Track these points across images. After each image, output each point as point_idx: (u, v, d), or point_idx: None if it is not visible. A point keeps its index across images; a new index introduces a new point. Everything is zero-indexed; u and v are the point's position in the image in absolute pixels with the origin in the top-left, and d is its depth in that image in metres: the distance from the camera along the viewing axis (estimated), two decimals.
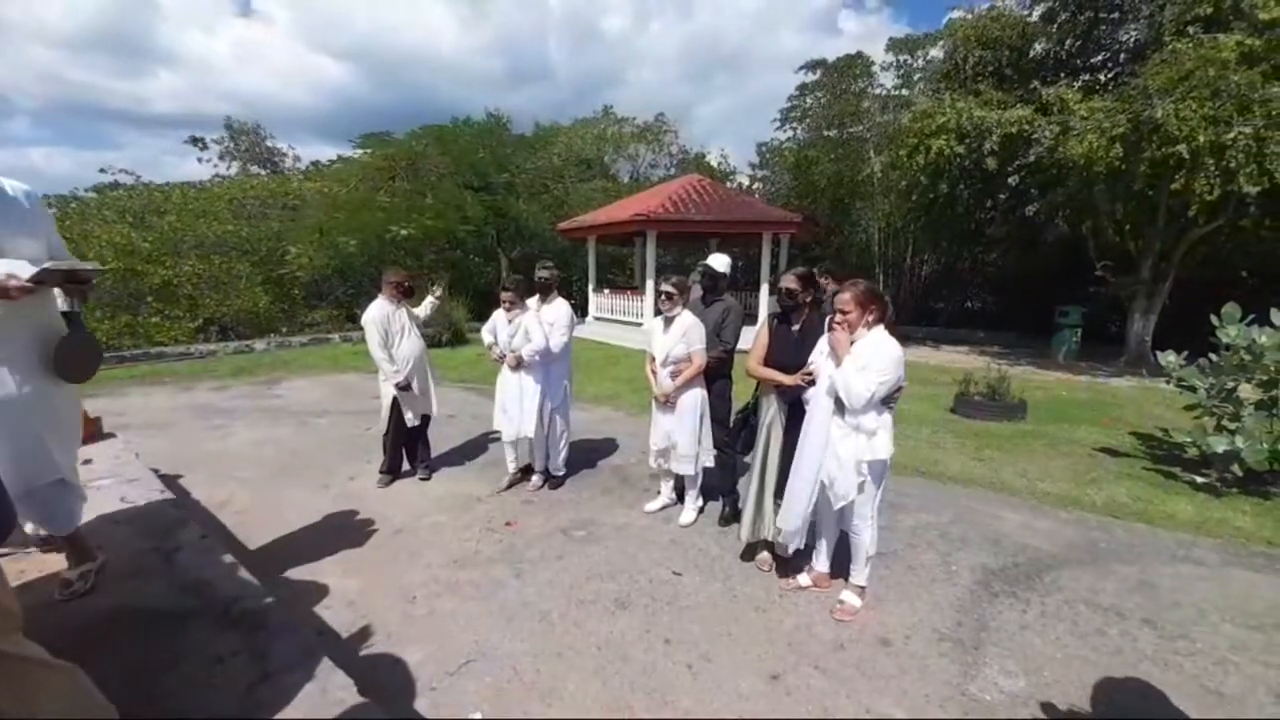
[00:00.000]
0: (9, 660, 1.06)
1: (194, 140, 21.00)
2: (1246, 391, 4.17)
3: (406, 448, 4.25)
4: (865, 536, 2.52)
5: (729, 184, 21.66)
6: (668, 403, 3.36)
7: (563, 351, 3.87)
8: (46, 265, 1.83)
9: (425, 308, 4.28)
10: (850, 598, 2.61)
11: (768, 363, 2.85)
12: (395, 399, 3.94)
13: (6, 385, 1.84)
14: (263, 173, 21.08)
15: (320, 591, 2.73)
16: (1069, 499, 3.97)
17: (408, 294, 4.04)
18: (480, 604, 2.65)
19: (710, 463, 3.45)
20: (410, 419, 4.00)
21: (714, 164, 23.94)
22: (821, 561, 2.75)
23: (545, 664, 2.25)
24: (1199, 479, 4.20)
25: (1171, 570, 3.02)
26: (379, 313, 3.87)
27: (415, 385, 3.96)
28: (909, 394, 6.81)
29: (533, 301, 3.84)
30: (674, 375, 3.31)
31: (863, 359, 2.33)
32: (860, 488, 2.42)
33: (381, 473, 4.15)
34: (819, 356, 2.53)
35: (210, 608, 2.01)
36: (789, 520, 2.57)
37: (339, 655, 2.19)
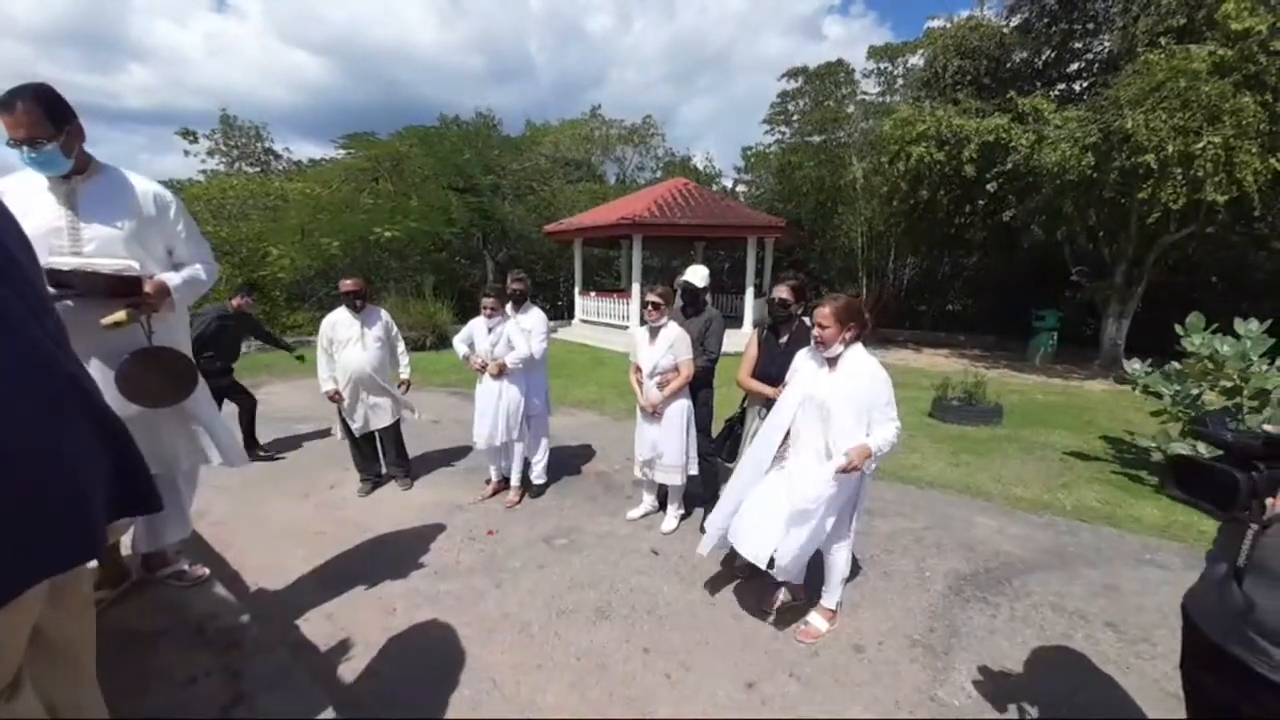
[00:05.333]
0: None
1: (186, 133, 20.53)
2: (1211, 398, 4.31)
3: (381, 450, 4.23)
4: (841, 558, 2.49)
5: (714, 187, 21.78)
6: (655, 413, 3.39)
7: (541, 358, 3.89)
8: (51, 262, 1.77)
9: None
10: (817, 620, 2.55)
11: (756, 374, 2.89)
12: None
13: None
14: (250, 171, 20.67)
15: (299, 604, 2.71)
16: (1040, 503, 4.07)
17: (356, 300, 3.87)
18: (460, 615, 2.65)
19: (695, 471, 3.49)
20: (354, 428, 3.99)
21: (699, 167, 24.08)
22: (798, 575, 2.76)
23: (525, 675, 2.27)
24: None
25: (1136, 574, 3.12)
26: (328, 319, 3.93)
27: (354, 398, 3.90)
28: None
29: (506, 310, 3.85)
30: (661, 386, 3.35)
31: (865, 400, 2.26)
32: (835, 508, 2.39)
33: (361, 481, 4.15)
34: (793, 375, 2.54)
35: (184, 625, 2.00)
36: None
37: (317, 669, 2.20)
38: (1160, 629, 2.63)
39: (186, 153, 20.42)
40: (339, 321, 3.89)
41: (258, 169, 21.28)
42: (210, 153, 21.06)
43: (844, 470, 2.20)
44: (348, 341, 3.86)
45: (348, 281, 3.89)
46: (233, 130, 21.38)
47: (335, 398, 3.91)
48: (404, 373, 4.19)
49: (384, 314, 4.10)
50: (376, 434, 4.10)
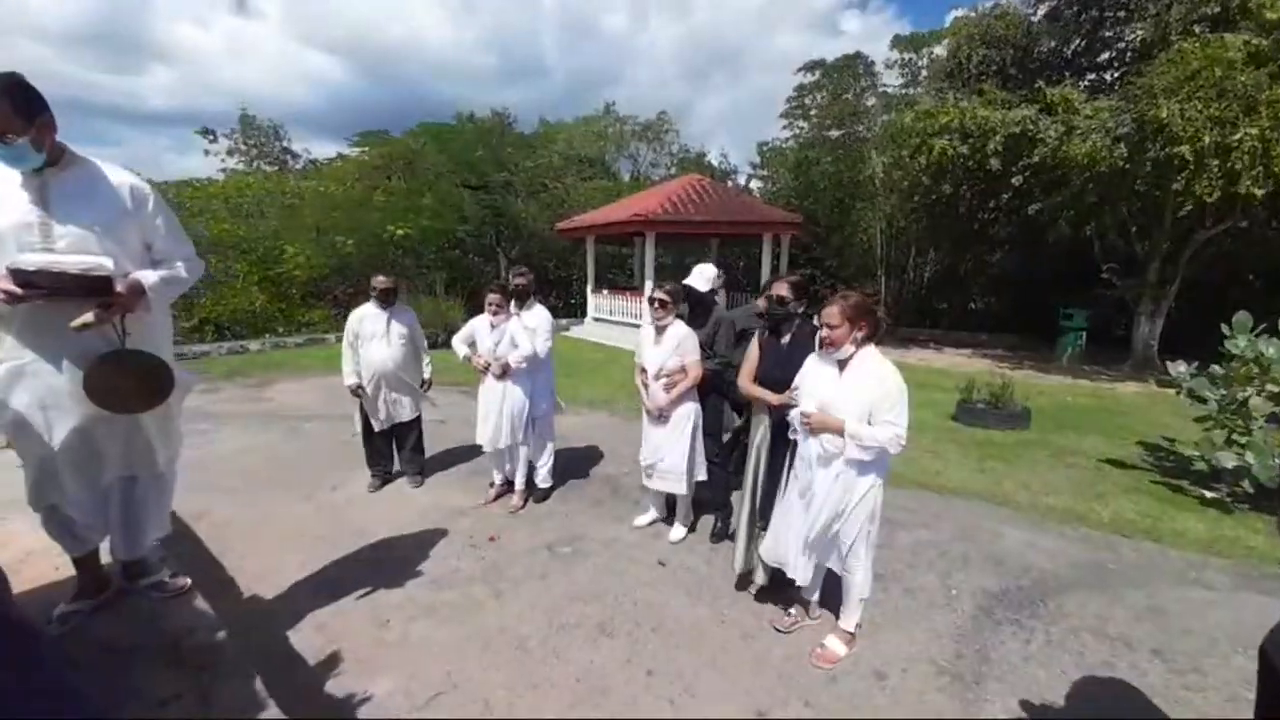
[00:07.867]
0: None
1: (205, 132, 20.86)
2: (1258, 404, 4.03)
3: (396, 446, 4.19)
4: (859, 577, 2.33)
5: (729, 183, 21.52)
6: (661, 416, 3.23)
7: (546, 357, 3.76)
8: (16, 261, 1.68)
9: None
10: (834, 644, 2.37)
11: (758, 378, 2.72)
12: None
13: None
14: (268, 170, 20.91)
15: (291, 613, 2.60)
16: (1074, 514, 3.84)
17: (389, 297, 3.91)
18: (456, 628, 2.53)
19: (703, 477, 3.33)
20: (375, 424, 3.96)
21: (714, 163, 23.83)
22: (812, 591, 2.60)
23: (520, 697, 2.13)
24: (1208, 494, 4.07)
25: (1181, 595, 2.89)
26: (354, 313, 3.93)
27: (376, 394, 3.89)
28: (909, 400, 6.66)
29: (510, 307, 3.73)
30: (668, 388, 3.19)
31: (868, 401, 2.13)
32: (853, 524, 2.25)
33: (371, 477, 4.09)
34: (801, 379, 2.38)
35: (161, 641, 1.90)
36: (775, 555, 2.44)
37: (304, 683, 2.08)
38: (1209, 657, 2.41)
39: (207, 152, 20.77)
40: (366, 316, 3.89)
41: (275, 167, 21.51)
42: (230, 152, 21.36)
43: (780, 406, 2.37)
44: (373, 337, 3.86)
45: (381, 278, 3.93)
46: (251, 130, 21.65)
47: (358, 392, 3.91)
48: (425, 372, 4.17)
49: (411, 313, 4.10)
50: (393, 431, 4.09)
